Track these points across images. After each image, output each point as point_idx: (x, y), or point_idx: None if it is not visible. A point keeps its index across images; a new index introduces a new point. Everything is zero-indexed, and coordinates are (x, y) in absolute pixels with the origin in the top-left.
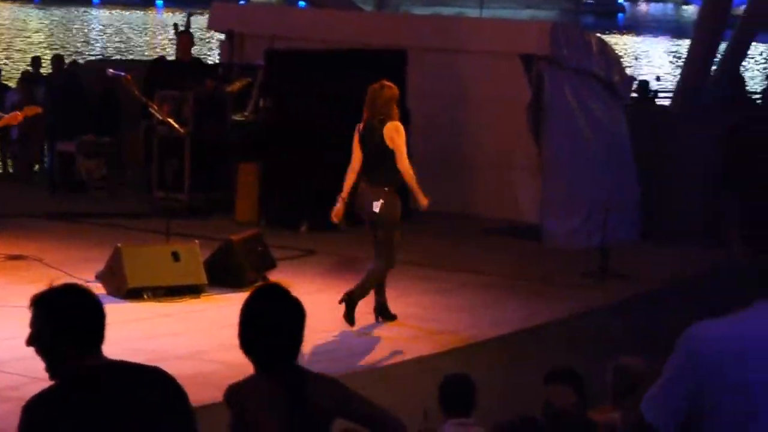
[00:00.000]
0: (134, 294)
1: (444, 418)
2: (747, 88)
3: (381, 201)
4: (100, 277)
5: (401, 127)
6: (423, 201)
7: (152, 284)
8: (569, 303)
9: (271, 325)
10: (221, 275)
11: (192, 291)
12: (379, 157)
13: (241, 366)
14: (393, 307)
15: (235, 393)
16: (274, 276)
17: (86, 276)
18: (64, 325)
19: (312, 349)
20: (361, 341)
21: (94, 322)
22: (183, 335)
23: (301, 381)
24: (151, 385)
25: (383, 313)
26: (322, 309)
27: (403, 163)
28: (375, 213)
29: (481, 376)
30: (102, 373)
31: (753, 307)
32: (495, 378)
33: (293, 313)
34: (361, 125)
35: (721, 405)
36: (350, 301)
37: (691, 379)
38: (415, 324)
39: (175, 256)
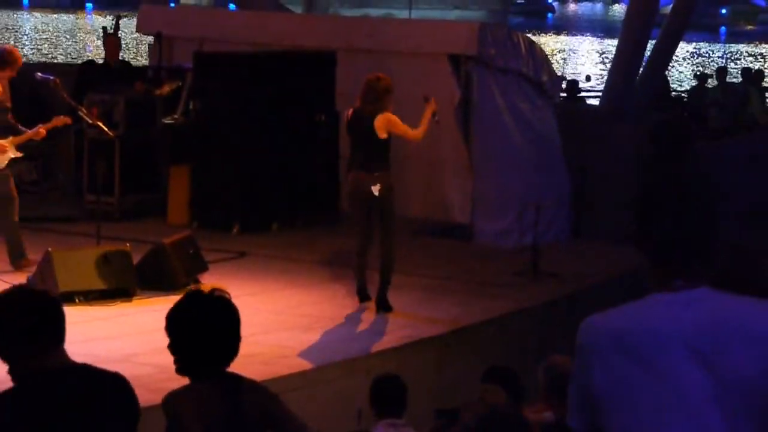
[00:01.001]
0: (66, 298)
1: (376, 419)
2: (675, 87)
3: (378, 185)
4: (31, 282)
5: (393, 116)
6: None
7: (83, 288)
8: (501, 302)
9: (200, 332)
10: (153, 278)
11: (123, 294)
12: (371, 146)
13: (172, 369)
14: (325, 309)
15: (172, 401)
16: (206, 278)
17: (18, 280)
18: (9, 326)
19: (243, 353)
20: (293, 344)
21: (44, 322)
22: (115, 339)
23: (236, 389)
24: (107, 390)
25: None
26: (254, 311)
27: (416, 136)
28: (375, 196)
29: (414, 376)
30: (57, 376)
31: (644, 299)
32: (427, 378)
33: (223, 320)
34: (349, 113)
35: (607, 398)
36: (383, 303)
37: (581, 373)
38: (347, 326)
39: (107, 260)
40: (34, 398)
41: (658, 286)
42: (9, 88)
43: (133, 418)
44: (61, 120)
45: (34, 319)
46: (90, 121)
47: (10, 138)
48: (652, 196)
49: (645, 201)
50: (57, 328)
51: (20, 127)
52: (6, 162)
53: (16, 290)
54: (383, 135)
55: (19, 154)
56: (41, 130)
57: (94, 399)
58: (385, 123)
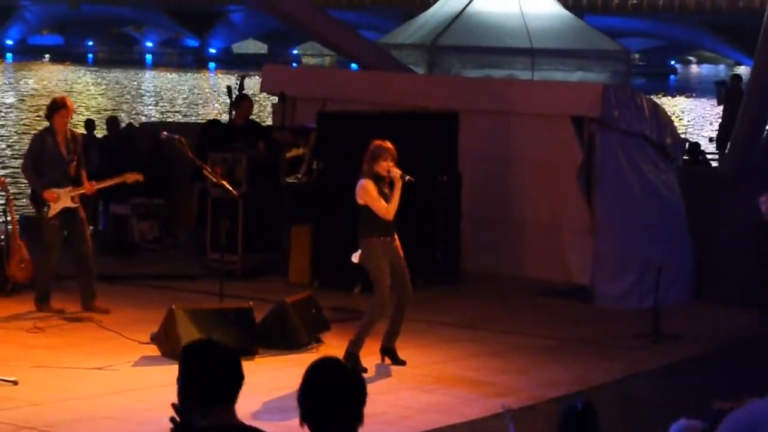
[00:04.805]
0: None
1: None
2: None
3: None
4: (154, 339)
5: (363, 183)
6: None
7: None
8: (622, 364)
9: (327, 402)
10: (275, 337)
11: (245, 353)
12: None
13: (295, 429)
14: (446, 369)
15: None
16: (328, 338)
17: (141, 338)
18: (189, 379)
19: (365, 412)
20: (414, 404)
21: (219, 378)
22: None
23: None
24: None
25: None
26: (375, 370)
27: (384, 211)
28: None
29: None
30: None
31: None
32: None
33: (351, 390)
34: None
35: None
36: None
37: None
38: (468, 386)
39: (229, 318)
40: None
41: None
42: (78, 139)
43: None
44: (133, 176)
45: (219, 372)
46: (214, 180)
47: (69, 188)
48: None
49: None
50: (235, 385)
51: (83, 179)
52: (57, 210)
53: (203, 343)
54: (358, 200)
55: (73, 204)
56: (94, 185)
57: None
58: (358, 189)
